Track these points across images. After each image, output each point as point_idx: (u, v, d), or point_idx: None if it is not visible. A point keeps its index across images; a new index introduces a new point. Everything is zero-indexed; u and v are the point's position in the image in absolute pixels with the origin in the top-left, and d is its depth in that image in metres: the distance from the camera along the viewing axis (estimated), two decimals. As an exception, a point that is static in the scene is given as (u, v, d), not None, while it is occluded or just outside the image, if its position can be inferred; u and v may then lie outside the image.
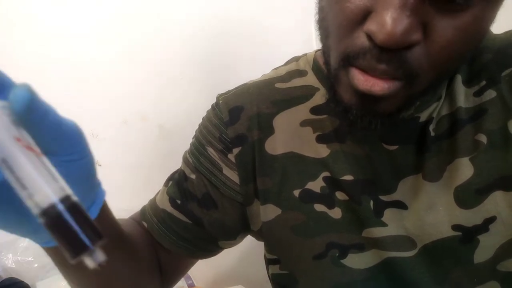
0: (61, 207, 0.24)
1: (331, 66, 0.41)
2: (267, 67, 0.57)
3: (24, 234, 0.31)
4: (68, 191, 0.25)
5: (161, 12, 1.03)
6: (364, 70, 0.36)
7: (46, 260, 0.86)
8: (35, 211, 0.24)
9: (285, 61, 0.59)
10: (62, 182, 0.25)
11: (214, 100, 0.56)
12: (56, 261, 0.40)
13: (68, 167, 0.29)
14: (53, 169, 0.25)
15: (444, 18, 0.34)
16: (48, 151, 0.27)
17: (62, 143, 0.28)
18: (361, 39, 0.36)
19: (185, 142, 0.57)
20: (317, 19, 0.43)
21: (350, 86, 0.38)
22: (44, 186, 0.24)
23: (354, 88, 0.38)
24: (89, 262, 0.24)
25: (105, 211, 0.38)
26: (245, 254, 1.10)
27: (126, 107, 1.00)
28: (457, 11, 0.33)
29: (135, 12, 1.00)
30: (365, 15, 0.35)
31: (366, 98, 0.38)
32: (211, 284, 1.07)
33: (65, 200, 0.24)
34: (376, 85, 0.36)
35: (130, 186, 0.99)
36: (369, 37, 0.35)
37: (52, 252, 0.38)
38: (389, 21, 0.32)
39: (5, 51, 0.91)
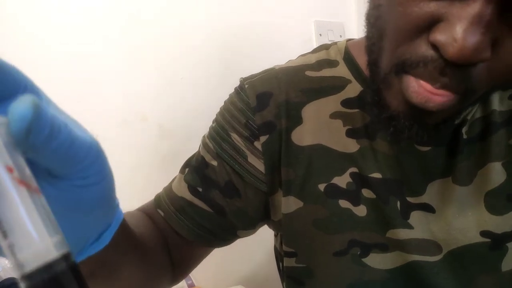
0: (54, 272, 0.17)
1: (380, 68, 0.38)
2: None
3: None
4: (67, 247, 0.18)
5: (161, 13, 1.02)
6: (421, 80, 0.34)
7: (46, 260, 0.86)
8: (15, 271, 0.17)
9: (297, 56, 0.56)
10: (61, 234, 0.18)
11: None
12: None
13: (81, 193, 0.24)
14: (52, 215, 0.18)
15: None
16: (55, 175, 0.23)
17: (73, 166, 0.23)
18: (423, 48, 0.33)
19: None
20: (369, 15, 0.40)
21: (401, 94, 0.36)
22: (33, 240, 0.17)
23: (406, 99, 0.35)
24: None
25: (122, 229, 0.34)
26: (245, 254, 1.10)
27: (126, 107, 1.00)
28: None
29: (136, 12, 1.00)
30: (432, 22, 0.32)
31: (417, 110, 0.36)
32: (211, 284, 1.07)
33: (61, 261, 0.17)
34: (430, 101, 0.34)
35: (130, 186, 0.98)
36: (435, 47, 0.32)
37: None
38: (462, 35, 0.30)
39: (4, 52, 0.91)
